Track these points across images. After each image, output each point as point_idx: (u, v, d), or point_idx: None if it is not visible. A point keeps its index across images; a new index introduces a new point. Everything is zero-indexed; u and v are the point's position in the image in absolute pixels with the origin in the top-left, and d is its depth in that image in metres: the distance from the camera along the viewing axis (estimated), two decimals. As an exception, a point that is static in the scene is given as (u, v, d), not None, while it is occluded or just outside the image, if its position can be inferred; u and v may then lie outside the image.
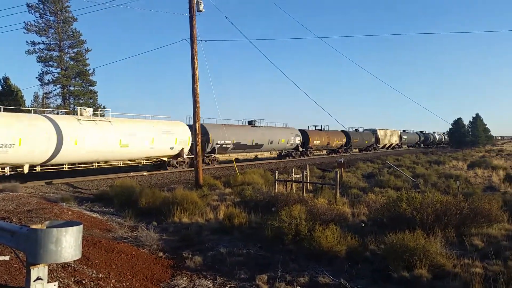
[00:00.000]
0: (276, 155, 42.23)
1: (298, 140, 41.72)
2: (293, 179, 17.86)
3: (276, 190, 15.76)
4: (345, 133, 52.10)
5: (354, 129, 57.58)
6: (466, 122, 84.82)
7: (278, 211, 10.04)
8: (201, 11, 18.79)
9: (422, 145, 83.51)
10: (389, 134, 67.97)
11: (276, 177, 17.08)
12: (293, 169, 20.23)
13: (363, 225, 10.53)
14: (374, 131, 63.07)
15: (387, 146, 67.44)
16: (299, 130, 43.46)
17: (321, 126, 49.56)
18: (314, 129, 48.49)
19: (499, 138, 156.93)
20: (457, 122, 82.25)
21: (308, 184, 17.61)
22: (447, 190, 16.34)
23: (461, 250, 8.21)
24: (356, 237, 8.62)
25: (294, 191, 16.05)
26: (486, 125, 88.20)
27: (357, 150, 57.87)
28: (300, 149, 42.70)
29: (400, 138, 72.05)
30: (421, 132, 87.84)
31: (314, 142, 44.79)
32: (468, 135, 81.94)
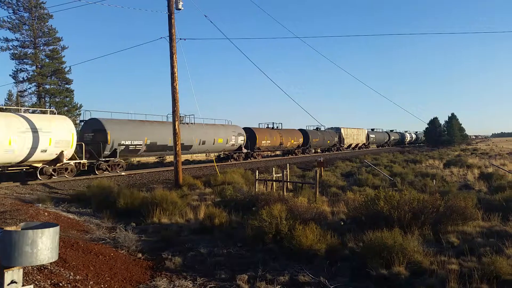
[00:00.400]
0: (215, 157, 34.11)
1: (241, 139, 35.67)
2: (274, 179, 17.92)
3: (256, 190, 15.78)
4: (303, 131, 47.68)
5: (315, 128, 52.40)
6: (442, 121, 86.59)
7: (259, 210, 10.05)
8: (180, 9, 18.67)
9: (391, 145, 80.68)
10: (354, 133, 63.44)
11: (257, 176, 17.10)
12: (274, 169, 20.29)
13: (342, 223, 10.64)
14: (338, 129, 58.60)
15: (353, 146, 63.66)
16: (244, 128, 37.75)
17: (273, 123, 44.02)
18: (266, 127, 43.38)
19: (473, 137, 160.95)
20: (433, 122, 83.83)
21: (288, 183, 17.70)
22: (424, 188, 16.65)
23: (438, 247, 8.37)
24: (336, 236, 8.70)
25: (274, 190, 16.10)
26: (461, 124, 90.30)
27: (318, 151, 53.20)
28: (245, 150, 36.49)
29: (368, 137, 68.28)
30: (391, 131, 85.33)
31: (263, 142, 39.08)
32: (444, 134, 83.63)
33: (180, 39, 19.16)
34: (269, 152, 44.45)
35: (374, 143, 73.64)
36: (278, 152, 46.01)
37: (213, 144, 32.60)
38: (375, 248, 7.43)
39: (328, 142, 54.21)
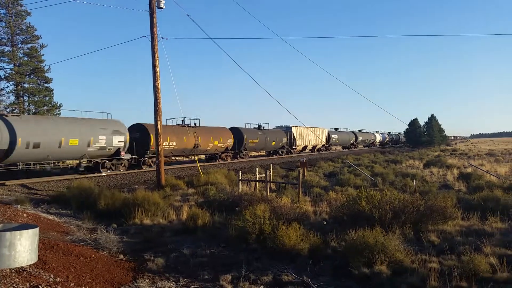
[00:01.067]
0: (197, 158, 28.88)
1: (120, 141, 24.27)
2: (257, 179, 17.93)
3: (240, 190, 15.76)
4: (235, 130, 37.32)
5: (257, 126, 43.47)
6: (422, 122, 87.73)
7: (242, 210, 10.05)
8: (161, 7, 18.53)
9: (357, 147, 73.13)
10: (311, 132, 52.13)
11: (240, 176, 17.08)
12: (257, 169, 20.31)
13: (325, 223, 10.72)
14: (288, 128, 48.38)
15: (309, 147, 53.57)
16: (135, 125, 27.47)
17: (183, 120, 31.80)
18: (165, 123, 29.45)
19: (452, 138, 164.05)
20: (413, 123, 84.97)
21: (272, 183, 17.73)
22: (404, 188, 16.90)
23: (419, 246, 8.50)
24: (318, 235, 8.75)
25: (258, 190, 16.11)
26: (440, 125, 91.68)
27: (254, 154, 44.78)
28: (126, 156, 24.98)
29: (329, 138, 59.02)
30: (360, 131, 77.59)
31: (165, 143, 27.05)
32: (423, 135, 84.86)
33: (162, 38, 19.04)
34: (181, 157, 35.31)
35: (337, 144, 65.70)
36: (193, 157, 32.09)
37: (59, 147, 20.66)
38: (357, 247, 7.50)
39: (273, 143, 43.65)
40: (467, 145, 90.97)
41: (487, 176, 20.81)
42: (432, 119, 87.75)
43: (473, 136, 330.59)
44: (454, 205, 11.13)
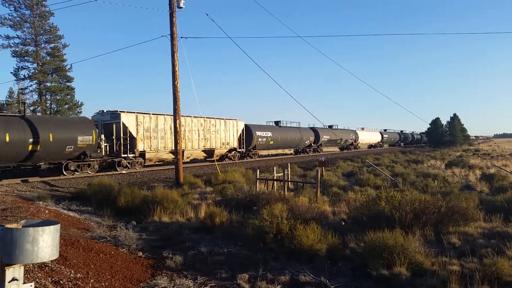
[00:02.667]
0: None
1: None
2: (275, 178, 17.89)
3: (257, 189, 15.76)
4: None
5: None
6: (444, 122, 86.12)
7: (260, 210, 10.03)
8: (181, 7, 18.64)
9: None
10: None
11: (258, 175, 17.07)
12: (275, 168, 20.27)
13: (343, 223, 10.62)
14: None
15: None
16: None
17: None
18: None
19: (474, 138, 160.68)
20: (435, 122, 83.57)
21: (289, 183, 17.67)
22: (426, 189, 16.62)
23: (439, 248, 8.35)
24: (337, 236, 8.68)
25: (275, 190, 16.08)
26: (463, 125, 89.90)
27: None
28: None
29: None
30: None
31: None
32: (446, 135, 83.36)
33: (182, 37, 19.16)
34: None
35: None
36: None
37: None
38: (376, 249, 7.41)
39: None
40: (490, 145, 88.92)
41: (511, 177, 20.30)
42: (454, 118, 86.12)
43: (496, 136, 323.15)
44: (476, 207, 10.91)
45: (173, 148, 20.87)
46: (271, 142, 38.88)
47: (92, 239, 9.22)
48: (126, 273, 7.07)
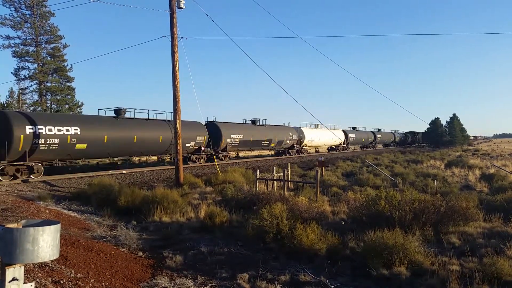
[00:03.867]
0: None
1: None
2: (274, 178, 17.90)
3: (257, 189, 15.77)
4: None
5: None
6: (443, 122, 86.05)
7: (260, 209, 10.04)
8: (181, 8, 18.64)
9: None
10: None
11: (258, 175, 17.08)
12: (275, 168, 20.28)
13: (343, 223, 10.63)
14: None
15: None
16: None
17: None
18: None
19: (473, 138, 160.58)
20: (435, 122, 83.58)
21: (289, 182, 17.68)
22: (425, 188, 16.63)
23: (439, 248, 8.36)
24: (337, 235, 8.69)
25: (275, 189, 16.09)
26: (462, 125, 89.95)
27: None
28: None
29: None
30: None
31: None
32: (445, 135, 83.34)
33: (182, 38, 19.16)
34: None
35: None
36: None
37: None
38: (376, 248, 7.42)
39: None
40: (490, 145, 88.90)
41: (510, 177, 20.31)
42: (454, 118, 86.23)
43: (496, 136, 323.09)
44: (476, 207, 10.92)
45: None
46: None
47: (93, 239, 9.23)
48: (126, 273, 7.08)
